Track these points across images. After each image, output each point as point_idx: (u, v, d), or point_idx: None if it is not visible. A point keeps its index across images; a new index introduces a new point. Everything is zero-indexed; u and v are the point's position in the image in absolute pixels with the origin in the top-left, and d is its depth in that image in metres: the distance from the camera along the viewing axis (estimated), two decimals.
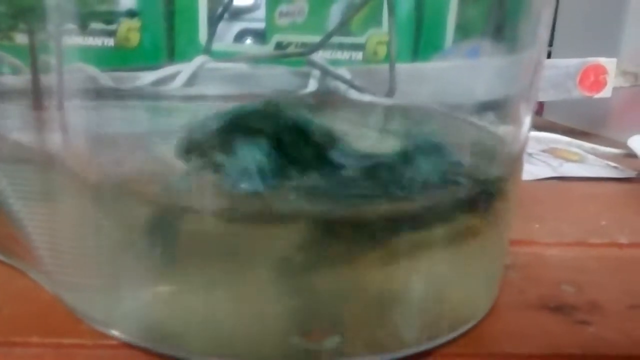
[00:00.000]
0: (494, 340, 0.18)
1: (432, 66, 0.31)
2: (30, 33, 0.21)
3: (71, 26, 0.22)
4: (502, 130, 0.20)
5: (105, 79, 0.25)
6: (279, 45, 0.33)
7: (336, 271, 0.17)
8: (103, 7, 0.24)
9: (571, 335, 0.19)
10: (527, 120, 0.20)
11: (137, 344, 0.17)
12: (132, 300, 0.18)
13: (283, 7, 0.33)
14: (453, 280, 0.18)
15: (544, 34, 0.19)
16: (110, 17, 0.26)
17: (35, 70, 0.21)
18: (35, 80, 0.22)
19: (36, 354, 0.17)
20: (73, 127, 0.21)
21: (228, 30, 0.32)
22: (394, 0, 0.32)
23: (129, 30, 0.31)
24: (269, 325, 0.17)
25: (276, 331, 0.17)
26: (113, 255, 0.17)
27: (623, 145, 0.41)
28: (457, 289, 0.18)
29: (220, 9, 0.32)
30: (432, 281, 0.18)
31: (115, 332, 0.17)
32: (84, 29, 0.23)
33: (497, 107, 0.21)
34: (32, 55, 0.21)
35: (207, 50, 0.31)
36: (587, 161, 0.41)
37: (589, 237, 0.27)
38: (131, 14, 0.28)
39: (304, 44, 0.33)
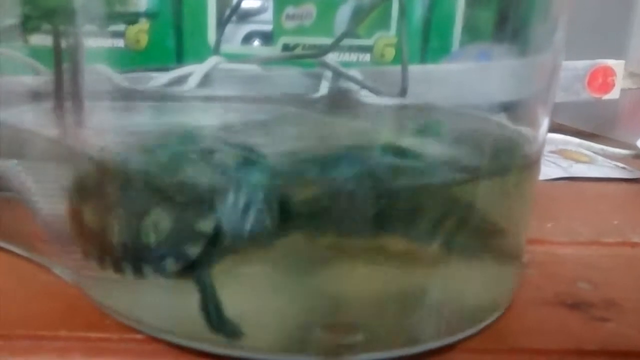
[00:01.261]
0: (514, 336, 0.19)
1: (444, 68, 0.31)
2: (55, 34, 0.21)
3: (92, 27, 0.22)
4: (522, 131, 0.21)
5: (120, 79, 0.25)
6: (286, 47, 0.33)
7: (360, 268, 0.17)
8: (125, 8, 0.24)
9: (590, 331, 0.19)
10: (545, 123, 0.20)
11: (162, 337, 0.17)
12: (157, 294, 0.18)
13: (290, 10, 0.33)
14: (475, 278, 0.18)
15: (561, 37, 0.19)
16: (132, 18, 0.27)
17: (59, 71, 0.22)
18: (59, 81, 0.22)
19: (64, 347, 0.17)
20: (94, 125, 0.21)
21: (236, 32, 0.32)
22: (405, 1, 0.32)
23: (138, 32, 0.31)
24: (293, 319, 0.17)
25: (300, 325, 0.17)
26: (137, 249, 0.18)
27: (632, 146, 0.41)
28: (478, 286, 0.19)
29: (228, 11, 0.32)
30: (455, 279, 0.18)
31: (140, 326, 0.18)
32: (104, 29, 0.24)
33: (514, 110, 0.21)
34: (56, 57, 0.21)
35: (216, 52, 0.32)
36: (596, 162, 0.41)
37: (602, 236, 0.27)
38: (150, 15, 0.29)
39: (311, 46, 0.33)
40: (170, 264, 0.16)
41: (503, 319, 0.19)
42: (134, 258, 0.17)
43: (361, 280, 0.17)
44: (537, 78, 0.21)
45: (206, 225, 0.16)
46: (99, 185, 0.18)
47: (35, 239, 0.21)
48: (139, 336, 0.18)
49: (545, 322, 0.19)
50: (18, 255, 0.22)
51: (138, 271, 0.17)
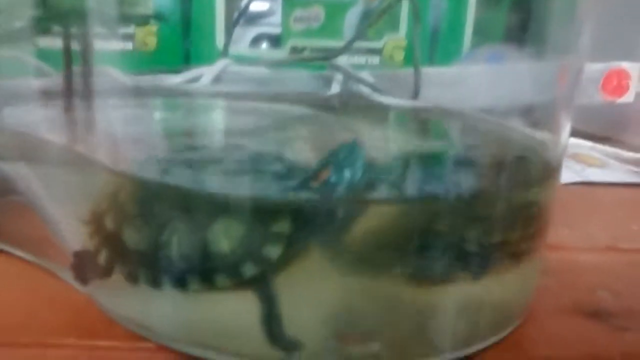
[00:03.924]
0: (532, 345, 0.18)
1: (458, 70, 0.30)
2: (66, 36, 0.21)
3: (102, 29, 0.22)
4: (543, 137, 0.20)
5: (130, 80, 0.25)
6: (294, 50, 0.33)
7: (379, 281, 0.17)
8: (135, 10, 0.24)
9: (611, 340, 0.19)
10: (567, 128, 0.19)
11: (172, 346, 0.17)
12: (168, 302, 0.17)
13: (298, 13, 0.33)
14: (493, 288, 0.18)
15: (586, 40, 0.19)
16: (142, 20, 0.26)
17: (69, 72, 0.21)
18: (69, 83, 0.22)
19: (71, 356, 0.17)
20: (104, 126, 0.21)
21: (244, 35, 0.32)
22: (418, 5, 0.32)
23: (146, 35, 0.31)
24: (308, 329, 0.17)
25: (314, 335, 0.17)
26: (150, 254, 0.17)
27: None
28: (496, 295, 0.18)
29: (236, 14, 0.32)
30: (473, 290, 0.17)
31: (151, 335, 0.17)
32: (114, 32, 0.23)
33: (536, 114, 0.20)
34: (66, 58, 0.21)
35: (224, 54, 0.31)
36: (608, 166, 0.41)
37: (619, 243, 0.27)
38: (159, 17, 0.28)
39: (319, 49, 0.33)
40: (249, 268, 0.16)
41: (521, 328, 0.19)
42: (202, 269, 0.16)
43: (381, 291, 0.17)
44: (561, 81, 0.20)
45: (283, 227, 0.15)
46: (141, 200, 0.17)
47: (43, 245, 0.21)
48: (149, 345, 0.17)
49: (564, 331, 0.19)
50: (25, 261, 0.22)
51: (208, 281, 0.16)
